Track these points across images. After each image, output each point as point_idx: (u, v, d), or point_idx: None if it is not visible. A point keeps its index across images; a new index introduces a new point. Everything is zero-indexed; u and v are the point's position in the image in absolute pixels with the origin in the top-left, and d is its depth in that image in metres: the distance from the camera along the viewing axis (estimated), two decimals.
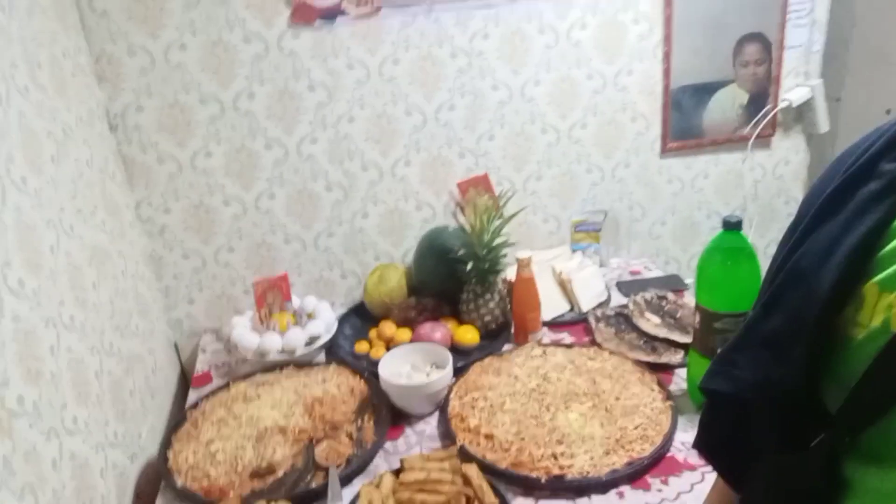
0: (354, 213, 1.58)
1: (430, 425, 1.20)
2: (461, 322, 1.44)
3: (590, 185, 1.69)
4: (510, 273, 1.48)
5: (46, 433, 0.85)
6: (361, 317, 1.56)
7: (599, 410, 1.14)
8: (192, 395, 1.34)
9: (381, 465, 1.11)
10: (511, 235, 1.39)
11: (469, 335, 1.39)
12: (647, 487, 1.01)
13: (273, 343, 1.36)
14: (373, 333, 1.46)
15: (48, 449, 0.84)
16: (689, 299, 1.51)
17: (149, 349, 1.35)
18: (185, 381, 1.58)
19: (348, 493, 1.03)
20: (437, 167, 1.57)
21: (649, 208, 1.75)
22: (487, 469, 1.03)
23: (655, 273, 1.69)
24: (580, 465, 1.03)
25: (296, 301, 1.50)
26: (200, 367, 1.45)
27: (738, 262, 1.05)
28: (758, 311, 0.61)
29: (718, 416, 0.72)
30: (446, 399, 1.22)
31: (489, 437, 1.11)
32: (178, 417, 1.24)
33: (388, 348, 1.40)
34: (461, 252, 1.35)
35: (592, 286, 1.54)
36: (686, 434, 1.11)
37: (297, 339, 1.37)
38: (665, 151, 1.68)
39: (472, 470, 1.01)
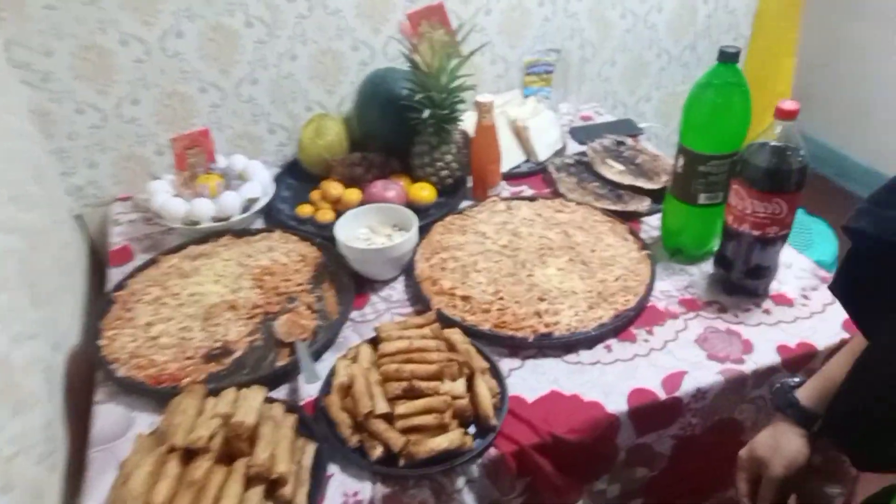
0: (281, 56, 1.36)
1: (397, 290, 1.11)
2: (414, 178, 1.31)
3: (541, 21, 1.53)
4: (466, 121, 1.34)
5: None
6: (298, 177, 1.39)
7: (577, 264, 1.09)
8: (114, 274, 1.16)
9: (352, 336, 1.02)
10: (465, 78, 1.24)
11: (424, 192, 1.27)
12: (633, 339, 0.98)
13: (205, 209, 1.19)
14: (315, 195, 1.31)
15: None
16: (647, 144, 1.45)
17: (53, 222, 1.14)
18: (97, 258, 1.38)
19: (321, 369, 0.94)
20: None
21: (600, 47, 1.63)
22: (470, 332, 0.97)
23: (607, 118, 1.61)
24: (566, 321, 0.98)
25: (221, 161, 1.31)
26: (116, 240, 1.26)
27: (731, 98, 0.97)
28: None
29: (859, 260, 0.67)
30: (411, 262, 1.12)
31: (466, 298, 1.03)
32: (105, 300, 1.07)
33: (335, 210, 1.26)
34: (418, 97, 1.19)
35: (548, 134, 1.44)
36: (664, 283, 1.08)
37: (232, 203, 1.20)
38: None
39: (455, 334, 0.94)
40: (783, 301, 1.03)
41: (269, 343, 0.99)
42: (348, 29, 1.37)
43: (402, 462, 0.80)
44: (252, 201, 1.23)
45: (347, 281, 1.08)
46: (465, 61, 1.20)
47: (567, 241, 1.13)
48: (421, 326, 0.96)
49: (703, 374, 0.92)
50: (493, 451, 0.83)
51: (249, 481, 0.75)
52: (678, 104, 1.82)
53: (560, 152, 1.44)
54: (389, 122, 1.31)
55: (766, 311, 1.02)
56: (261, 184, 1.26)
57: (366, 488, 0.80)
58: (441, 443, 0.80)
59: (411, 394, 0.84)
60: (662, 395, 0.89)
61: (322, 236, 1.18)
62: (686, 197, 1.06)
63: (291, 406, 0.88)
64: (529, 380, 0.93)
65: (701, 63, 1.72)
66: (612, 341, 0.98)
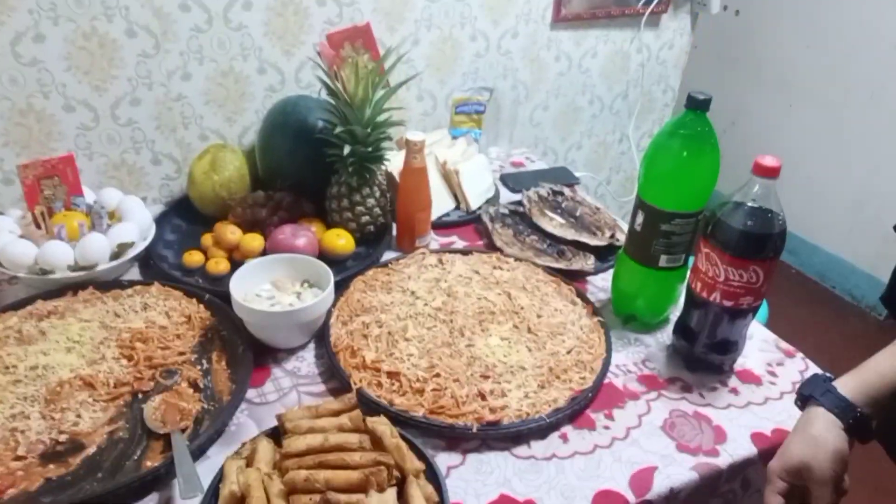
0: (171, 73, 1.14)
1: (307, 361, 0.90)
2: (329, 224, 1.12)
3: (473, 57, 1.40)
4: (391, 161, 1.17)
5: None
6: (186, 217, 1.17)
7: (523, 332, 0.93)
8: None
9: (247, 424, 0.80)
10: (393, 112, 1.07)
11: (341, 241, 1.08)
12: (591, 426, 0.83)
13: (61, 254, 0.94)
14: (207, 240, 1.09)
15: None
16: (586, 195, 1.34)
17: None
18: None
19: (204, 472, 0.71)
20: (289, 16, 1.18)
21: (534, 89, 1.52)
22: (400, 420, 0.78)
23: (539, 165, 1.49)
24: (515, 404, 0.81)
25: (88, 195, 1.06)
26: None
27: (699, 151, 0.86)
28: None
29: None
30: (325, 326, 0.92)
31: (394, 375, 0.84)
32: None
33: (231, 259, 1.05)
34: (337, 130, 1.01)
35: (481, 179, 1.30)
36: (619, 355, 0.94)
37: (98, 248, 0.96)
38: (558, 20, 1.43)
39: (381, 425, 0.75)
40: (749, 378, 0.92)
41: (136, 435, 0.77)
42: (255, 48, 1.18)
43: None
44: (125, 246, 1.00)
45: (244, 350, 0.87)
46: (393, 92, 1.03)
47: (510, 305, 0.97)
48: (338, 413, 0.76)
49: (675, 470, 0.78)
50: None
51: None
52: (608, 154, 1.76)
53: (493, 200, 1.30)
54: (301, 158, 1.12)
55: (734, 391, 0.90)
56: (138, 225, 1.03)
57: None
58: None
59: None
60: (632, 499, 0.74)
61: (213, 292, 0.96)
62: (644, 258, 0.93)
63: None
64: (473, 482, 0.75)
65: (633, 114, 1.65)
66: (567, 429, 0.82)
